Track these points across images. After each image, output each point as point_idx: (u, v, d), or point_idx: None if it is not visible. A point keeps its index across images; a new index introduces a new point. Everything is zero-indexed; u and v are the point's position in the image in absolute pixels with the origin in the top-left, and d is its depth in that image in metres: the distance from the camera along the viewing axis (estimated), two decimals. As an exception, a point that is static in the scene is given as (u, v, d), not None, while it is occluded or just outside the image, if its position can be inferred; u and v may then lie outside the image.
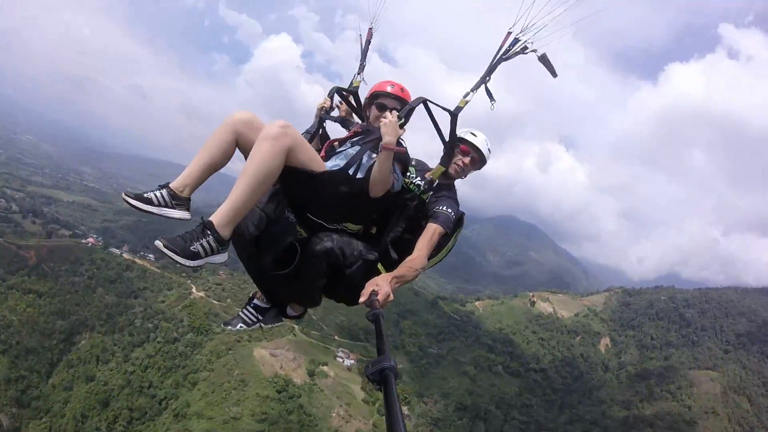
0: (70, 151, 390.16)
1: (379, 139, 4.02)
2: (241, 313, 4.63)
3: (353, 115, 5.21)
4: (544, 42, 4.35)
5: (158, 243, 3.26)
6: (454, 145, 4.53)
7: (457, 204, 4.51)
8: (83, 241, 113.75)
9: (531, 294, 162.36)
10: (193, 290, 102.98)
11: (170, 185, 3.61)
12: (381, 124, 4.04)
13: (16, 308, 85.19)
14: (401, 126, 4.09)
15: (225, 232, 3.42)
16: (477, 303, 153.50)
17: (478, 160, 4.68)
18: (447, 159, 4.53)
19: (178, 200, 3.59)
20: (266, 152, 3.49)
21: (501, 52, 4.44)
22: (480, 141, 4.63)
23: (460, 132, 4.62)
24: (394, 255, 4.29)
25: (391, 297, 3.43)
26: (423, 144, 4.76)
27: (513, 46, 4.41)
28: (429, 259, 4.26)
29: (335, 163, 4.19)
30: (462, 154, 4.60)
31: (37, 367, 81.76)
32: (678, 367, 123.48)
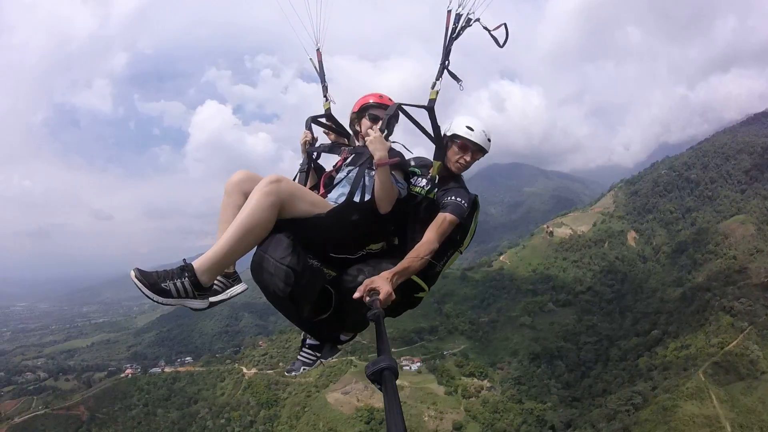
0: (66, 300, 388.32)
1: (371, 157, 4.03)
2: (299, 357, 4.58)
3: (341, 136, 5.13)
4: (485, 4, 4.18)
5: (132, 273, 3.28)
6: (440, 138, 4.41)
7: (467, 191, 4.48)
8: (122, 375, 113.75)
9: (546, 226, 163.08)
10: (245, 371, 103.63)
11: (195, 269, 3.43)
12: (366, 141, 4.02)
13: None
14: (386, 137, 4.11)
15: (204, 278, 3.43)
16: (501, 257, 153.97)
17: (478, 151, 4.57)
18: (439, 152, 4.43)
19: (201, 291, 3.48)
20: (254, 206, 3.55)
21: (450, 33, 4.30)
22: (477, 135, 4.48)
23: (457, 125, 4.50)
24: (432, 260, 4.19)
25: (392, 296, 3.38)
26: (417, 141, 4.63)
27: (457, 23, 4.26)
28: (455, 248, 4.40)
29: (340, 192, 4.23)
30: (461, 150, 4.49)
31: None
32: (707, 226, 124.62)
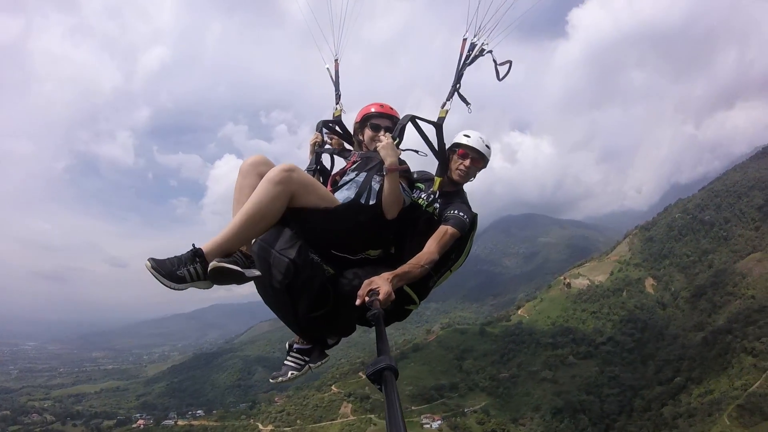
0: (76, 343, 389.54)
1: (381, 163, 4.12)
2: (286, 362, 4.48)
3: (345, 143, 5.25)
4: (497, 41, 4.61)
5: (147, 263, 3.29)
6: (444, 154, 4.60)
7: (469, 207, 4.54)
8: (134, 426, 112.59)
9: (563, 277, 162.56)
10: (261, 427, 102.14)
11: (204, 253, 3.45)
12: (378, 147, 4.14)
13: None
14: (397, 146, 4.21)
15: (211, 259, 3.45)
16: (520, 311, 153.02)
17: (479, 159, 4.69)
18: (442, 169, 4.61)
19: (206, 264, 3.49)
20: (264, 194, 3.58)
21: (463, 59, 4.66)
22: (474, 140, 4.64)
23: (457, 136, 4.70)
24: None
25: (392, 296, 3.41)
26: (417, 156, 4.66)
27: (471, 51, 4.65)
28: (448, 266, 4.49)
29: (346, 195, 4.22)
30: (461, 158, 4.63)
31: None
32: (724, 267, 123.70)
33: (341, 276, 3.96)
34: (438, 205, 4.52)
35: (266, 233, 3.69)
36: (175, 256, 3.38)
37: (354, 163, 4.59)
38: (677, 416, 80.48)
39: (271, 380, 4.48)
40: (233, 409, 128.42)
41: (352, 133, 4.98)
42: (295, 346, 4.51)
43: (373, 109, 4.62)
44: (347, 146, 5.21)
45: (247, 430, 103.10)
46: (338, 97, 5.46)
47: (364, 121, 4.65)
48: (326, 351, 4.59)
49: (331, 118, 5.35)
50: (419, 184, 4.74)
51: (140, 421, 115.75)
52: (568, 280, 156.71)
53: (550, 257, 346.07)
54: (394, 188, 4.04)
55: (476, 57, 4.65)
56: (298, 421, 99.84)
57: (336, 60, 5.68)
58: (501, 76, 4.76)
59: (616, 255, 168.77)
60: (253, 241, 3.72)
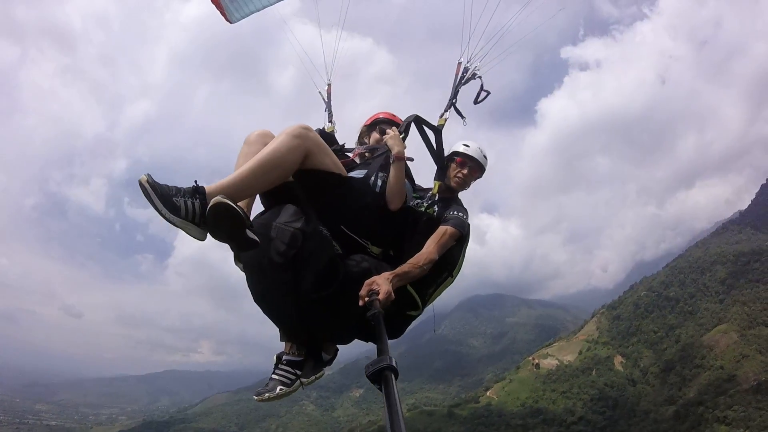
0: (18, 391, 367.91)
1: (387, 155, 4.21)
2: (274, 376, 4.03)
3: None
4: (489, 66, 5.14)
5: (142, 177, 2.93)
6: (443, 159, 4.77)
7: (466, 210, 4.58)
8: None
9: (531, 358, 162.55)
10: None
11: (205, 192, 3.10)
12: (386, 138, 4.25)
13: None
14: (402, 140, 4.33)
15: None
16: (488, 392, 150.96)
17: (476, 168, 4.81)
18: (441, 173, 4.76)
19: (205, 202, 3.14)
20: (281, 143, 3.40)
21: (458, 80, 5.05)
22: (473, 150, 4.77)
23: (456, 145, 4.84)
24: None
25: (392, 296, 3.32)
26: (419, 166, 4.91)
27: (465, 74, 5.08)
28: (443, 277, 4.40)
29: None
30: (459, 166, 4.74)
31: None
32: (691, 341, 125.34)
33: (349, 258, 3.79)
34: (437, 208, 4.60)
35: (266, 213, 3.60)
36: (175, 186, 3.05)
37: (358, 155, 4.66)
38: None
39: (255, 398, 3.92)
40: None
41: (357, 136, 5.08)
42: (285, 357, 4.05)
43: (382, 116, 4.91)
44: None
45: None
46: (330, 115, 5.56)
47: (373, 125, 4.87)
48: (323, 368, 4.27)
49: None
50: (415, 194, 4.75)
51: None
52: (536, 361, 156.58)
53: (518, 337, 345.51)
54: (399, 177, 4.06)
55: (469, 79, 5.10)
56: None
57: (329, 84, 5.91)
58: (477, 100, 5.19)
59: (584, 334, 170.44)
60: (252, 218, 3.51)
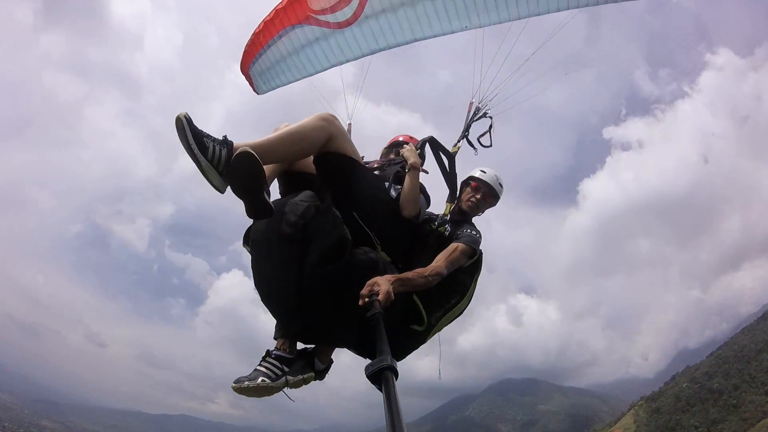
0: (29, 403, 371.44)
1: (402, 165, 4.47)
2: (259, 367, 3.77)
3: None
4: (499, 108, 5.55)
5: (180, 113, 3.00)
6: (455, 182, 4.91)
7: (478, 231, 4.53)
8: None
9: None
10: None
11: (233, 144, 3.18)
12: (402, 150, 4.52)
13: None
14: (418, 152, 4.57)
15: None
16: None
17: (489, 194, 4.84)
18: (453, 196, 4.87)
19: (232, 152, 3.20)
20: (309, 122, 3.61)
21: (470, 116, 5.49)
22: (489, 176, 4.83)
23: (473, 171, 4.93)
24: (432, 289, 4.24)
25: (392, 296, 3.29)
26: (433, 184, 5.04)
27: (476, 113, 5.50)
28: (452, 303, 4.41)
29: None
30: (474, 190, 4.79)
31: None
32: None
33: (357, 249, 3.82)
34: (448, 227, 4.58)
35: (286, 197, 3.74)
36: (206, 132, 3.13)
37: (375, 165, 4.82)
38: None
39: (233, 385, 3.61)
40: None
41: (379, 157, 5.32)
42: (275, 352, 3.94)
43: (401, 138, 5.24)
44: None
45: None
46: None
47: (393, 146, 5.23)
48: (314, 373, 4.13)
49: None
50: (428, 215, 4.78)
51: None
52: None
53: (549, 426, 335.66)
54: (414, 185, 4.24)
55: (480, 117, 5.52)
56: None
57: (350, 123, 6.18)
58: (479, 136, 5.52)
59: (621, 427, 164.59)
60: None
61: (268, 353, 3.90)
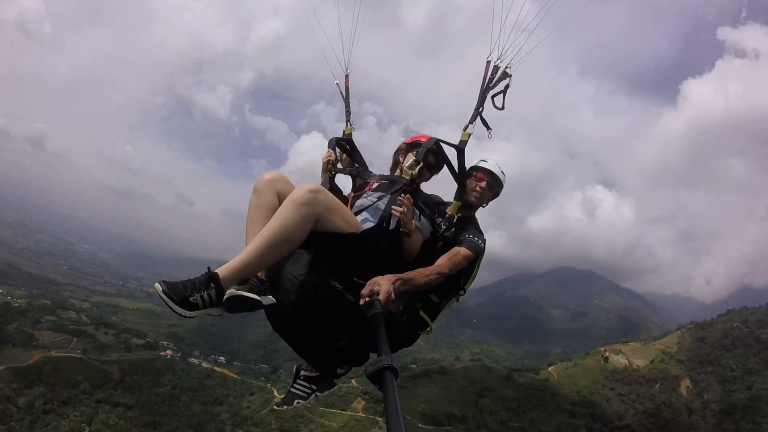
0: (126, 258, 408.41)
1: (401, 188, 4.29)
2: (293, 389, 4.41)
3: (354, 164, 5.29)
4: (521, 63, 4.55)
5: (157, 287, 3.12)
6: (464, 178, 4.60)
7: (482, 233, 4.63)
8: (161, 353, 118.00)
9: (603, 349, 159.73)
10: (275, 394, 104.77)
11: (220, 278, 3.26)
12: (395, 212, 4.01)
13: (107, 421, 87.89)
14: (419, 167, 4.29)
15: (227, 285, 3.28)
16: (551, 368, 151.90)
17: (494, 183, 4.80)
18: (460, 192, 4.57)
19: (221, 290, 3.27)
20: (289, 217, 3.36)
21: (486, 82, 4.64)
22: (491, 165, 4.79)
23: (474, 162, 4.85)
24: (434, 298, 4.32)
25: (392, 296, 3.38)
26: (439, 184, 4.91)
27: (495, 74, 4.63)
28: (455, 292, 4.48)
29: (365, 216, 4.23)
30: (477, 180, 4.74)
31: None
32: (762, 394, 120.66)
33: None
34: (453, 229, 4.54)
35: (283, 258, 3.59)
36: (189, 280, 3.24)
37: (375, 183, 4.67)
38: None
39: (275, 407, 4.47)
40: (254, 367, 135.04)
41: (395, 150, 5.02)
42: (303, 373, 4.47)
43: (424, 140, 4.58)
44: (358, 166, 5.28)
45: (263, 392, 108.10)
46: (348, 114, 5.49)
47: (412, 146, 4.72)
48: (336, 381, 4.54)
49: (341, 136, 5.37)
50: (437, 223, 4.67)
51: (168, 351, 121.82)
52: (607, 354, 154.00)
53: (598, 322, 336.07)
54: (415, 247, 4.15)
55: (499, 80, 4.69)
56: (314, 396, 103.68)
57: (347, 74, 5.65)
58: (494, 93, 4.76)
59: (663, 344, 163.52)
60: None
61: (298, 372, 4.45)
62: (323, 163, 5.00)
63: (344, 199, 4.75)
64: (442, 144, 4.50)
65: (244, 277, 3.38)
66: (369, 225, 4.09)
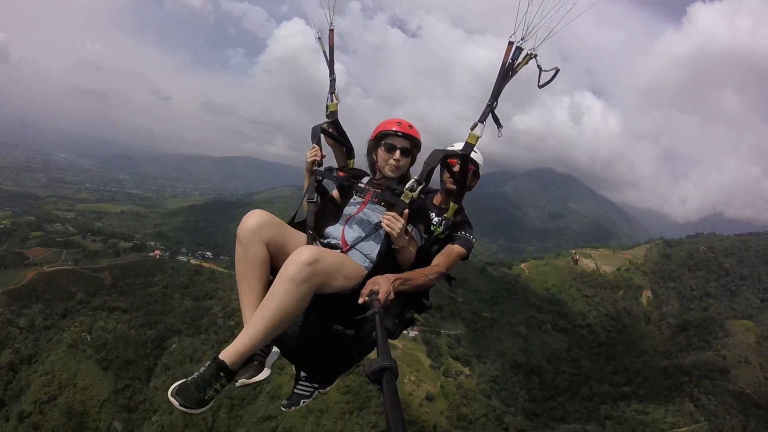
0: (106, 162, 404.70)
1: (387, 192, 3.96)
2: (296, 390, 4.26)
3: (341, 146, 4.78)
4: (547, 45, 3.81)
5: (174, 402, 3.00)
6: (466, 184, 4.38)
7: (471, 227, 4.52)
8: (150, 254, 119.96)
9: (574, 252, 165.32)
10: None
11: (228, 366, 3.14)
12: (385, 226, 3.65)
13: (106, 327, 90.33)
14: (420, 188, 3.78)
15: (236, 368, 3.21)
16: (523, 265, 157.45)
17: (477, 170, 4.69)
18: (459, 196, 4.27)
19: (231, 375, 3.20)
20: (288, 297, 3.11)
21: (506, 68, 3.83)
22: (478, 157, 4.62)
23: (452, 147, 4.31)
24: (427, 303, 4.25)
25: (391, 295, 3.31)
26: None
27: (516, 58, 3.82)
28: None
29: (358, 234, 3.95)
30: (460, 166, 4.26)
31: (138, 374, 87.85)
32: (715, 317, 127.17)
33: (361, 331, 3.63)
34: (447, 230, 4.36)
35: None
36: (199, 376, 3.09)
37: (371, 203, 4.14)
38: (609, 417, 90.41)
39: (283, 408, 4.28)
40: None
41: (366, 150, 4.36)
42: (303, 374, 4.33)
43: (395, 127, 4.07)
44: (343, 155, 4.84)
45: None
46: (333, 82, 4.69)
47: (379, 138, 4.14)
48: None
49: (324, 116, 4.69)
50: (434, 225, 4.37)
51: (156, 252, 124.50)
52: (577, 257, 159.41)
53: (572, 226, 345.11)
54: (409, 259, 3.96)
55: (522, 66, 3.85)
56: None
57: (331, 29, 4.87)
58: (542, 83, 3.93)
59: (631, 254, 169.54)
60: None
61: (298, 375, 4.21)
62: (308, 162, 4.34)
63: (333, 200, 4.47)
64: (444, 146, 4.30)
65: (249, 354, 3.27)
66: (359, 237, 3.95)
